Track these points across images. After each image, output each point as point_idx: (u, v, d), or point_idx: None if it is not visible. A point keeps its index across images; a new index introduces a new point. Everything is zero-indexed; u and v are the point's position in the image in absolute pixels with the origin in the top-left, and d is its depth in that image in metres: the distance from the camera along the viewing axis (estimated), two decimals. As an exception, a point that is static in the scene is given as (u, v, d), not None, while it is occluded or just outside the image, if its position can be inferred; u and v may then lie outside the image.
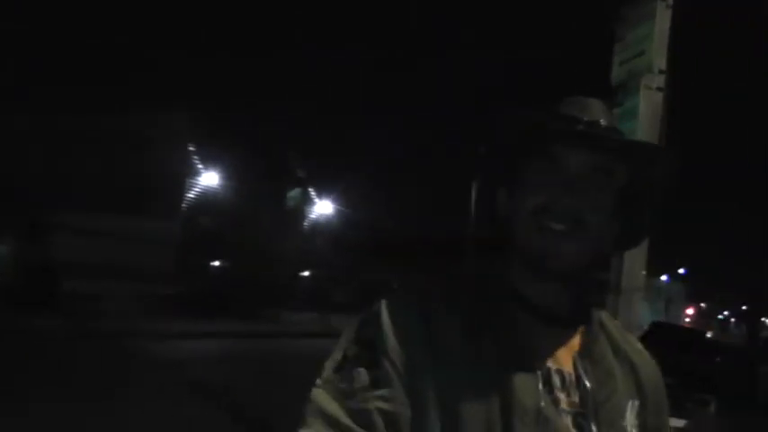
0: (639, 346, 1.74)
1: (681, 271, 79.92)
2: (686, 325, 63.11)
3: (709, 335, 46.48)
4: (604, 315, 1.71)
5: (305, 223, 47.73)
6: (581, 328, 1.62)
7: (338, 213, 48.99)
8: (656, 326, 27.85)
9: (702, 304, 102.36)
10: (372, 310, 1.54)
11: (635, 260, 4.20)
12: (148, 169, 33.97)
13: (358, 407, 1.42)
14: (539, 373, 1.51)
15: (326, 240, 46.72)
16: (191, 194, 38.64)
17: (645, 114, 4.18)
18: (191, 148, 38.03)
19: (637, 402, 1.62)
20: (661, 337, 23.17)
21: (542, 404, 1.47)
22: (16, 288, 26.50)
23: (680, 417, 7.51)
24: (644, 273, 4.26)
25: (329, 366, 1.50)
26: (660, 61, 4.23)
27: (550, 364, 1.54)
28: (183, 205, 38.04)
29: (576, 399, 1.53)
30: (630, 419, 1.59)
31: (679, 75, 4.59)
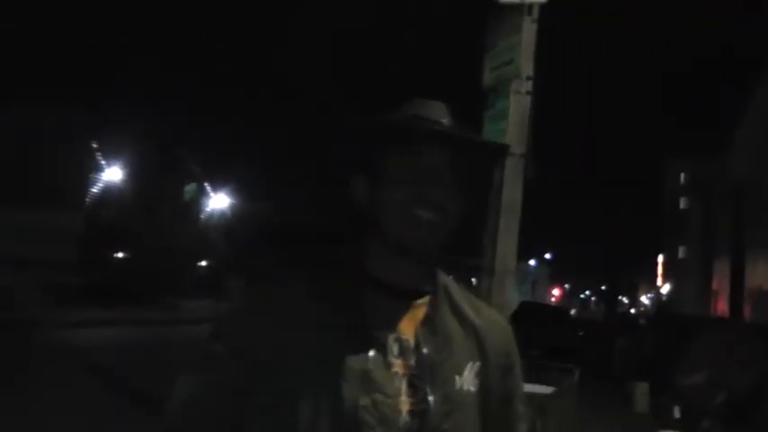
0: (490, 313, 1.85)
1: (547, 256, 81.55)
2: (552, 304, 64.57)
3: (572, 312, 47.67)
4: (453, 286, 1.81)
5: (201, 216, 47.27)
6: (426, 300, 1.72)
7: (232, 206, 48.67)
8: (525, 305, 28.37)
9: (566, 285, 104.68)
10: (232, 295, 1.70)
11: (507, 246, 4.31)
12: (53, 164, 33.14)
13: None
14: (374, 340, 1.62)
15: (220, 231, 46.34)
16: (94, 189, 37.88)
17: (514, 116, 4.31)
18: (94, 145, 37.24)
19: (477, 363, 1.71)
20: (530, 315, 23.68)
21: (369, 366, 1.59)
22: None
23: (547, 384, 7.72)
24: (515, 257, 4.36)
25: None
26: (527, 68, 4.36)
27: (391, 333, 1.65)
28: (87, 199, 37.26)
29: (412, 362, 1.63)
30: (469, 379, 1.69)
31: (545, 80, 4.72)
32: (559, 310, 35.44)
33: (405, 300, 1.70)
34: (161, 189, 40.15)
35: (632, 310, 75.08)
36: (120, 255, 38.88)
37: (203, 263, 44.16)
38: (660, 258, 70.36)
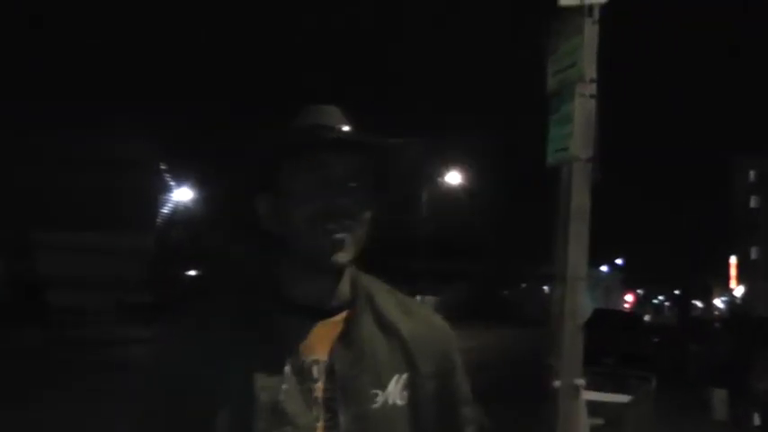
0: (425, 315, 1.77)
1: (618, 261, 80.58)
2: (625, 310, 63.67)
3: (646, 318, 46.94)
4: (379, 293, 1.73)
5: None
6: (345, 315, 1.64)
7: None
8: (598, 312, 27.97)
9: (639, 291, 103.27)
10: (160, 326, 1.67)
11: (577, 252, 4.23)
12: (124, 188, 33.79)
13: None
14: (286, 368, 1.56)
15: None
16: (164, 210, 38.48)
17: (579, 119, 4.22)
18: (162, 167, 37.86)
19: (405, 375, 1.64)
20: (603, 323, 23.35)
21: (281, 398, 1.53)
22: (6, 302, 26.31)
23: (623, 393, 7.58)
24: (586, 264, 4.28)
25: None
26: (590, 71, 4.27)
27: (308, 356, 1.58)
28: (158, 220, 37.86)
29: (328, 385, 1.57)
30: (395, 392, 1.62)
31: (609, 82, 4.64)
32: (633, 317, 34.89)
33: (321, 318, 1.62)
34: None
35: (708, 314, 73.76)
36: (193, 273, 39.42)
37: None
38: (733, 260, 69.06)
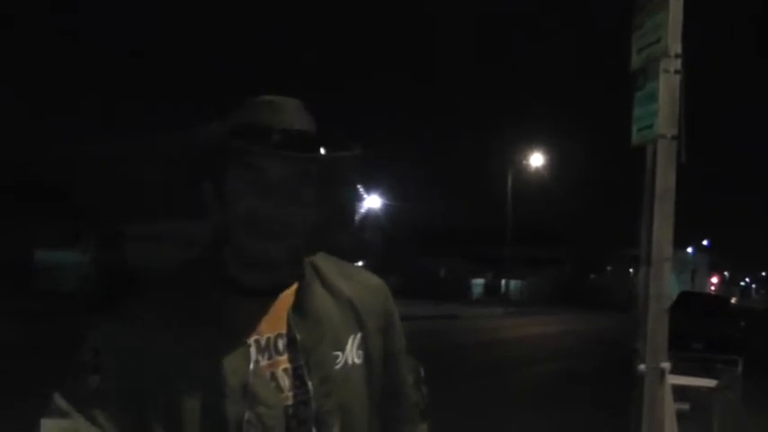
0: (363, 276, 1.82)
1: (704, 242, 79.15)
2: (711, 292, 62.43)
3: (732, 301, 45.95)
4: (323, 262, 1.75)
5: (356, 217, 47.94)
6: (294, 289, 1.66)
7: (385, 207, 49.10)
8: (684, 295, 27.47)
9: (725, 272, 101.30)
10: (99, 324, 1.58)
11: (663, 234, 4.14)
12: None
13: (84, 408, 1.48)
14: (252, 348, 1.57)
15: (376, 232, 46.98)
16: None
17: (664, 96, 4.13)
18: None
19: (359, 334, 1.70)
20: (689, 305, 22.90)
21: (250, 379, 1.54)
22: (97, 292, 27.05)
23: (711, 377, 7.39)
24: (671, 245, 4.18)
25: (72, 369, 1.54)
26: (675, 46, 4.16)
27: (269, 333, 1.60)
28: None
29: (293, 355, 1.60)
30: (353, 352, 1.67)
31: (694, 59, 4.51)
32: (720, 300, 34.17)
33: (271, 295, 1.63)
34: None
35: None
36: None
37: (360, 263, 45.02)
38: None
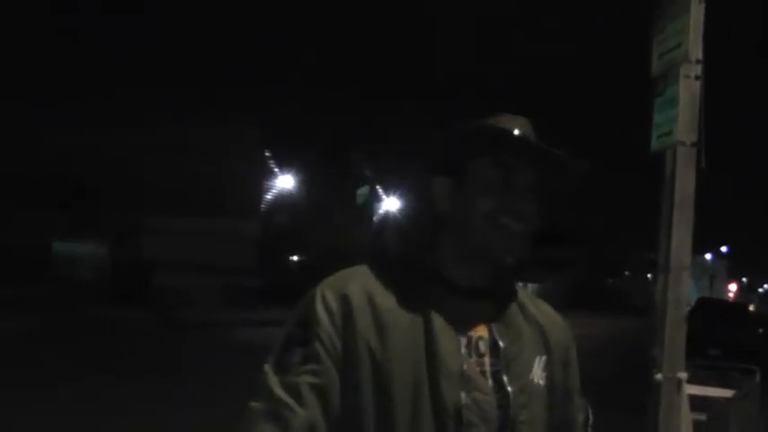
0: (549, 310, 1.87)
1: (723, 249, 78.62)
2: (730, 299, 62.00)
3: (751, 308, 45.63)
4: (517, 286, 1.84)
5: (374, 218, 47.94)
6: (495, 299, 1.73)
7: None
8: (702, 301, 27.31)
9: (744, 279, 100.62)
10: (309, 293, 1.67)
11: (682, 240, 4.09)
12: (229, 175, 34.44)
13: (290, 381, 1.57)
14: (462, 340, 1.65)
15: (394, 232, 46.95)
16: (268, 196, 39.10)
17: (685, 102, 4.08)
18: (267, 154, 38.45)
19: (544, 358, 1.75)
20: (707, 312, 22.75)
21: (465, 367, 1.62)
22: (112, 284, 27.17)
23: (727, 386, 7.31)
24: (690, 251, 4.13)
25: (278, 345, 1.65)
26: (696, 51, 4.11)
27: (473, 332, 1.68)
28: (262, 206, 38.50)
29: (495, 359, 1.67)
30: (538, 372, 1.72)
31: (715, 65, 4.46)
32: (739, 307, 33.94)
33: (477, 300, 1.71)
34: (335, 193, 41.06)
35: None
36: (296, 258, 39.97)
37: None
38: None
